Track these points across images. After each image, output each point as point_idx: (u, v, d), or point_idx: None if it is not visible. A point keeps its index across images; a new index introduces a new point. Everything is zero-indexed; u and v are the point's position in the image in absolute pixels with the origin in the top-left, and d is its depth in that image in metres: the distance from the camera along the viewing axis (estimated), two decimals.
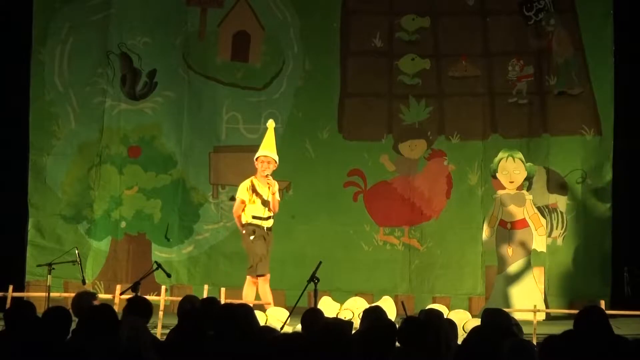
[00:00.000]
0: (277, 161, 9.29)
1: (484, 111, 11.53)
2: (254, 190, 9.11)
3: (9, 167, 11.29)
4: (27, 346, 4.69)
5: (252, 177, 9.25)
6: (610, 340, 4.94)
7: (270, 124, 9.49)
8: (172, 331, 5.44)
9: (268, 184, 9.11)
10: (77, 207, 11.47)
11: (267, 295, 9.01)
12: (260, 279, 9.04)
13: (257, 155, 9.29)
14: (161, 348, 5.03)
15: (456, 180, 11.44)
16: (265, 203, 9.10)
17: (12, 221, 11.17)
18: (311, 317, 5.77)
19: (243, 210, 9.11)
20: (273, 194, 9.12)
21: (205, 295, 9.35)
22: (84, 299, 6.39)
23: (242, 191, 9.15)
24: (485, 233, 10.83)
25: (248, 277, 9.14)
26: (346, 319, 8.01)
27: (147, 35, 11.72)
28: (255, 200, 9.10)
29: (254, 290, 9.10)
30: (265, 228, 9.12)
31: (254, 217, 9.09)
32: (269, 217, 9.16)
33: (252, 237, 9.04)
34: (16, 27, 11.42)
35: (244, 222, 9.14)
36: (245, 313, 5.20)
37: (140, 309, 5.71)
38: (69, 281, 10.71)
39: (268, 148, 9.28)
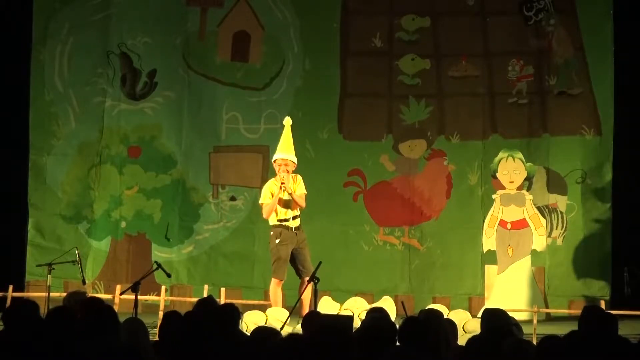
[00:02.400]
0: (295, 161, 9.11)
1: (484, 111, 11.52)
2: (272, 193, 8.95)
3: (9, 167, 11.30)
4: (28, 346, 4.69)
5: (272, 179, 9.12)
6: (610, 341, 4.94)
7: (287, 121, 9.30)
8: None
9: (282, 185, 8.89)
10: (77, 207, 11.48)
11: (277, 298, 8.88)
12: (275, 282, 8.89)
13: (273, 157, 9.16)
14: (160, 348, 5.04)
15: (456, 180, 11.42)
16: (286, 204, 8.95)
17: (12, 221, 11.18)
18: (311, 320, 5.75)
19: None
20: (290, 193, 8.92)
21: (205, 296, 9.38)
22: (74, 299, 6.40)
23: (265, 194, 8.99)
24: (486, 233, 10.84)
25: (273, 279, 8.91)
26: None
27: (147, 35, 11.72)
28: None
29: (280, 292, 8.91)
30: (292, 229, 8.93)
31: (278, 220, 8.94)
32: (295, 217, 8.97)
33: (277, 241, 8.85)
34: (16, 27, 11.42)
35: (271, 224, 8.96)
36: (230, 314, 5.22)
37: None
38: (69, 281, 10.71)
39: (283, 150, 9.11)
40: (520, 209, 10.76)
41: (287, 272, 8.90)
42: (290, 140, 9.20)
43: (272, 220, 8.95)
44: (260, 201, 9.07)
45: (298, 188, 9.03)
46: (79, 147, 11.56)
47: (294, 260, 8.93)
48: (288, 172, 9.02)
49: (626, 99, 11.05)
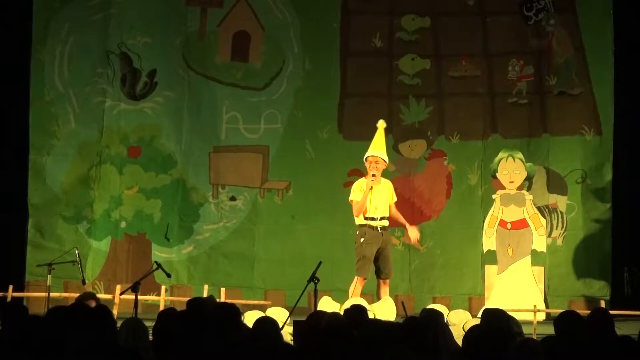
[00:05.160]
0: (387, 160, 9.19)
1: (484, 111, 11.53)
2: (362, 191, 9.01)
3: (9, 167, 11.30)
4: (23, 346, 4.70)
5: (363, 178, 9.17)
6: (610, 342, 4.94)
7: (381, 124, 9.35)
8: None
9: (373, 178, 8.96)
10: (77, 207, 11.47)
11: (356, 295, 8.94)
12: (359, 280, 8.96)
13: (365, 155, 9.20)
14: (159, 348, 5.03)
15: (456, 180, 11.43)
16: (377, 204, 8.99)
17: (12, 221, 11.17)
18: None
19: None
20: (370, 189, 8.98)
21: (205, 295, 9.38)
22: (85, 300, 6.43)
23: (355, 192, 9.05)
24: (486, 233, 10.84)
25: (356, 277, 9.00)
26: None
27: (147, 35, 11.71)
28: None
29: (360, 290, 9.02)
30: (378, 228, 8.98)
31: (365, 218, 8.98)
32: (383, 218, 9.02)
33: (362, 240, 8.91)
34: (16, 27, 11.42)
35: (357, 224, 9.02)
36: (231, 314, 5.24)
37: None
38: (69, 281, 10.71)
39: (374, 148, 9.18)
40: (520, 209, 10.75)
41: (369, 271, 8.98)
42: (383, 140, 9.27)
43: (359, 220, 9.00)
44: (350, 198, 9.08)
45: (392, 195, 9.14)
46: (79, 147, 11.55)
47: (376, 260, 9.01)
48: (378, 169, 9.06)
49: (626, 99, 11.05)
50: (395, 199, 9.24)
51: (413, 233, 9.28)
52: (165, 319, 5.19)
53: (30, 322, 5.06)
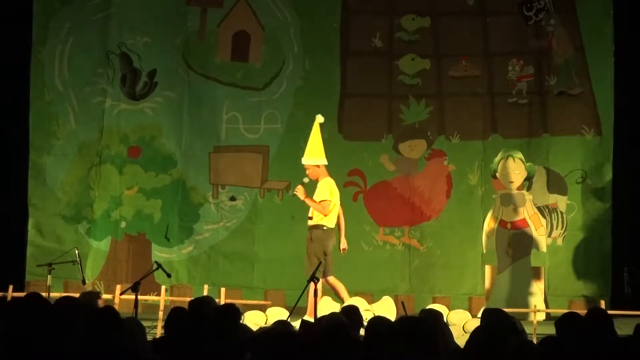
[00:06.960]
0: (313, 163, 9.43)
1: (484, 111, 11.52)
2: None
3: (9, 167, 11.30)
4: (23, 346, 4.69)
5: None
6: (609, 342, 4.93)
7: (317, 119, 9.62)
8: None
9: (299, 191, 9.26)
10: (77, 207, 11.47)
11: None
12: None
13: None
14: (159, 348, 5.03)
15: (456, 180, 11.43)
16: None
17: (12, 221, 11.18)
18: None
19: None
20: (303, 199, 9.29)
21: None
22: (88, 299, 6.42)
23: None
24: (486, 233, 10.84)
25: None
26: None
27: (147, 35, 11.72)
28: None
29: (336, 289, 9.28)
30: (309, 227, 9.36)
31: None
32: (310, 217, 9.37)
33: None
34: (16, 27, 11.42)
35: None
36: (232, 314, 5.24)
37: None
38: (69, 281, 10.72)
39: (305, 154, 9.49)
40: (520, 209, 10.76)
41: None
42: (313, 141, 9.36)
43: None
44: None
45: (316, 194, 9.28)
46: (79, 147, 11.56)
47: None
48: (309, 176, 9.34)
49: (626, 99, 11.05)
50: (322, 198, 9.30)
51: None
52: (177, 318, 5.20)
53: (30, 322, 5.05)
